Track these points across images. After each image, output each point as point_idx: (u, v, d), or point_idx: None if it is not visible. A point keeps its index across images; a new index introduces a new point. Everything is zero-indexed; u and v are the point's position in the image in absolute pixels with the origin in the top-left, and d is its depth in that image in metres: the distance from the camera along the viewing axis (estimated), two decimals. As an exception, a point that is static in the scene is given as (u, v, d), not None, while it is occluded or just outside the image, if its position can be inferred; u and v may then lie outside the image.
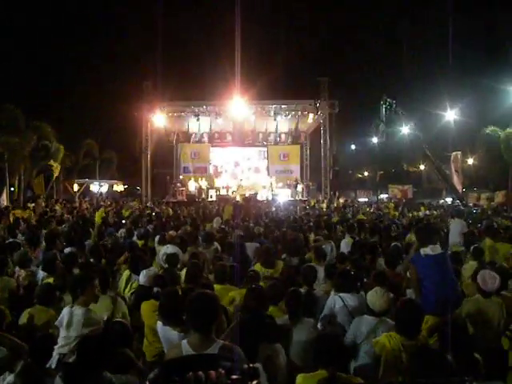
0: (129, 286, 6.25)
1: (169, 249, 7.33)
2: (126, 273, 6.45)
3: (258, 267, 6.68)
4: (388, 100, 25.23)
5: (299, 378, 3.54)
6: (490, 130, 27.83)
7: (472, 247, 7.40)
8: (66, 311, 4.50)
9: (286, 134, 32.34)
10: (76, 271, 6.07)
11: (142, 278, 5.91)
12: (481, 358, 3.71)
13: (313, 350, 3.75)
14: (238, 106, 26.85)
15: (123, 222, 12.87)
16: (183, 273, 6.27)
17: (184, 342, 3.18)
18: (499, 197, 30.08)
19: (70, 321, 4.39)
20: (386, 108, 25.48)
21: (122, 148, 37.78)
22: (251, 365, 1.35)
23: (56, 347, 4.25)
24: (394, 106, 25.08)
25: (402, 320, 3.95)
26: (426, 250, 5.14)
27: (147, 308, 5.01)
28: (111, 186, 36.60)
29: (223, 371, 1.27)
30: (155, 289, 5.45)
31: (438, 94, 32.87)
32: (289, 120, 30.77)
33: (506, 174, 28.27)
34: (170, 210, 20.04)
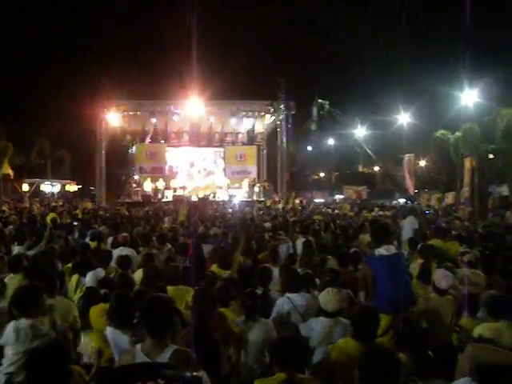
0: (78, 289, 6.06)
1: (123, 251, 7.18)
2: (75, 276, 6.25)
3: (214, 268, 6.62)
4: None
5: (256, 382, 3.49)
6: (440, 133, 28.69)
7: (419, 245, 7.56)
8: (10, 326, 4.08)
9: (242, 134, 32.32)
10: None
11: (89, 279, 5.76)
12: (434, 354, 3.81)
13: (271, 352, 3.72)
14: (195, 106, 26.67)
15: (75, 223, 12.50)
16: (137, 275, 6.15)
17: (137, 347, 3.09)
18: (449, 198, 31.13)
19: (16, 336, 4.01)
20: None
21: (76, 147, 36.80)
22: (194, 373, 1.30)
23: (2, 368, 3.97)
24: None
25: (359, 326, 3.96)
26: (381, 251, 5.18)
27: (96, 312, 4.83)
28: (63, 186, 35.61)
29: (162, 381, 1.22)
30: (102, 290, 5.30)
31: (392, 98, 33.65)
32: (246, 120, 30.79)
33: (455, 176, 29.21)
34: (125, 210, 19.69)
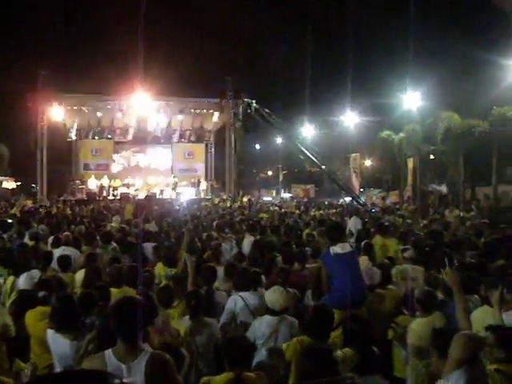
0: (14, 292, 5.75)
1: (65, 251, 6.94)
2: (11, 279, 5.92)
3: (160, 267, 6.52)
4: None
5: (203, 380, 3.46)
6: (385, 134, 29.50)
7: (363, 243, 7.74)
8: None
9: (190, 131, 31.99)
10: None
11: (22, 281, 5.45)
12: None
13: (219, 351, 3.70)
14: (141, 102, 26.14)
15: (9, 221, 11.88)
16: (78, 276, 5.95)
17: (109, 351, 2.94)
18: (393, 196, 32.08)
19: None
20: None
21: (15, 142, 35.24)
22: (124, 380, 1.23)
23: None
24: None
25: (313, 324, 3.98)
26: (336, 249, 5.25)
27: (34, 317, 4.56)
28: (0, 183, 34.09)
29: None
30: (41, 293, 5.06)
31: (340, 99, 34.34)
32: (194, 118, 30.54)
33: (399, 175, 30.11)
34: (68, 208, 19.08)
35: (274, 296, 4.56)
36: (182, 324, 4.45)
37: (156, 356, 2.94)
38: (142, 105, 26.35)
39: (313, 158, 26.01)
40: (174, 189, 28.09)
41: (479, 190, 27.41)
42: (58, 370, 3.81)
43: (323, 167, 27.07)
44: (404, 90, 27.58)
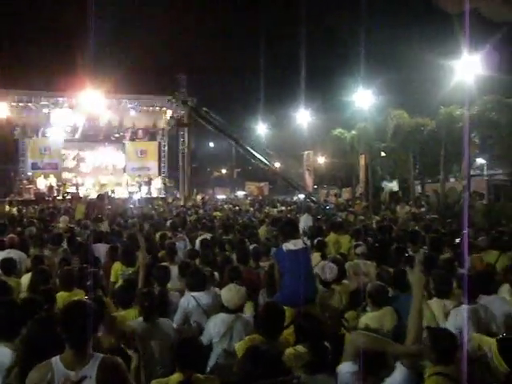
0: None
1: (10, 253, 6.66)
2: None
3: (117, 266, 6.41)
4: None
5: (152, 383, 3.39)
6: (338, 131, 29.94)
7: (316, 240, 7.82)
8: None
9: (143, 130, 31.45)
10: None
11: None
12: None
13: (171, 353, 3.62)
14: (92, 99, 25.44)
15: None
16: (24, 279, 5.74)
17: (56, 359, 2.81)
18: (346, 193, 32.65)
19: None
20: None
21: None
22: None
23: None
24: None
25: (264, 322, 3.96)
26: (288, 245, 5.26)
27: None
28: None
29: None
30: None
31: (292, 97, 34.65)
32: (146, 116, 30.04)
33: (351, 172, 30.64)
34: (14, 209, 18.40)
35: (229, 294, 4.54)
36: (134, 325, 4.35)
37: (108, 361, 2.85)
38: (92, 102, 25.65)
39: (261, 158, 25.95)
40: (126, 188, 27.59)
41: (428, 186, 28.24)
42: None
43: (273, 166, 27.09)
44: (356, 88, 28.11)
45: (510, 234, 8.89)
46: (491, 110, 20.62)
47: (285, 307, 4.24)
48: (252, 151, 25.48)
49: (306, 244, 5.58)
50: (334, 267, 5.45)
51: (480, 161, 29.56)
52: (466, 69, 18.38)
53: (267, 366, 2.97)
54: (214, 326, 4.41)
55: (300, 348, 3.76)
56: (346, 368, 3.01)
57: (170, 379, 3.33)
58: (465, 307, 4.41)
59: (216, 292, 5.15)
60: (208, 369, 4.19)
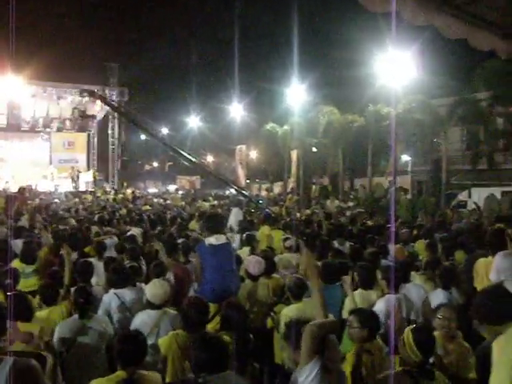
0: None
1: None
2: None
3: (17, 264, 6.01)
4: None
5: (94, 383, 3.21)
6: (270, 126, 30.21)
7: (245, 234, 7.83)
8: None
9: (71, 120, 30.17)
10: None
11: None
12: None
13: (111, 350, 3.45)
14: (12, 85, 23.94)
15: None
16: None
17: None
18: (277, 188, 33.05)
19: None
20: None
21: None
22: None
23: None
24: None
25: (188, 316, 3.88)
26: (211, 240, 5.20)
27: None
28: None
29: None
30: None
31: (225, 91, 34.61)
32: (75, 106, 28.84)
33: (283, 167, 31.04)
34: None
35: (153, 289, 4.42)
36: (69, 323, 4.15)
37: (19, 364, 2.66)
38: (12, 89, 24.12)
39: (183, 153, 25.42)
40: (52, 181, 26.42)
41: (357, 181, 29.13)
42: None
43: (199, 161, 26.72)
44: (289, 84, 28.47)
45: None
46: (415, 110, 21.57)
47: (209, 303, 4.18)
48: (174, 147, 24.77)
49: (228, 239, 5.53)
50: (262, 261, 5.45)
51: (405, 158, 30.84)
52: (393, 69, 19.05)
53: (217, 353, 2.91)
54: (140, 323, 4.28)
55: (226, 337, 3.74)
56: (312, 369, 2.78)
57: (112, 377, 3.18)
58: (389, 297, 4.56)
59: (141, 288, 5.01)
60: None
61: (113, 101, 25.61)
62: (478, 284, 5.26)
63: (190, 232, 9.02)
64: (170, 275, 5.61)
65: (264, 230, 8.73)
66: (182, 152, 21.86)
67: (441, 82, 25.68)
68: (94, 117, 26.63)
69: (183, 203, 18.44)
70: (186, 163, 23.55)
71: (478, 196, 18.13)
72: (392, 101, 20.12)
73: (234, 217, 10.25)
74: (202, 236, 7.91)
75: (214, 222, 5.42)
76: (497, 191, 19.20)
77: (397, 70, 18.93)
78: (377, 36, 18.90)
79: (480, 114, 22.39)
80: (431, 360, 3.32)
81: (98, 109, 28.65)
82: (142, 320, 4.30)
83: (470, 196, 20.24)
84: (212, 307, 4.42)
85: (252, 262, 5.40)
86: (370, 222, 10.66)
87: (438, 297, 5.00)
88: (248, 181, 34.41)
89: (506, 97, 20.97)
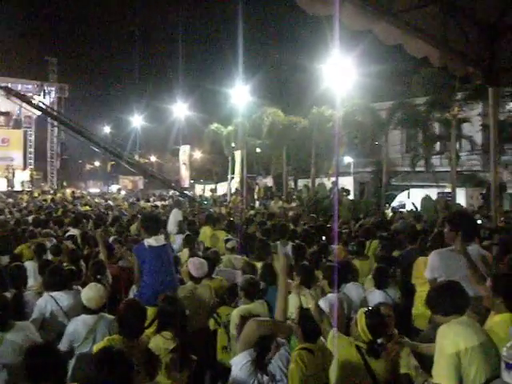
0: None
1: None
2: None
3: None
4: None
5: None
6: (214, 126, 30.07)
7: (185, 235, 7.77)
8: None
9: (6, 116, 28.89)
10: None
11: None
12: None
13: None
14: None
15: None
16: None
17: None
18: (222, 188, 32.92)
19: None
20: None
21: None
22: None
23: None
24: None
25: (125, 321, 3.76)
26: (150, 241, 5.10)
27: None
28: None
29: None
30: None
31: (170, 90, 34.23)
32: (11, 101, 27.60)
33: (226, 168, 31.00)
34: None
35: (89, 293, 4.28)
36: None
37: None
38: None
39: (120, 155, 24.70)
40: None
41: (300, 181, 29.50)
42: None
43: (136, 162, 26.17)
44: (233, 85, 28.47)
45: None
46: (357, 113, 22.12)
47: (146, 306, 4.08)
48: (110, 149, 23.93)
49: (167, 241, 5.46)
50: (204, 263, 5.40)
51: (347, 159, 31.54)
52: (337, 72, 19.43)
53: (117, 368, 2.79)
54: (75, 329, 4.12)
55: (166, 334, 3.71)
56: (243, 358, 2.99)
57: None
58: (331, 296, 4.66)
59: (79, 291, 4.84)
60: (70, 374, 3.90)
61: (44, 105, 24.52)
62: (417, 281, 5.46)
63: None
64: (108, 275, 5.48)
65: (206, 231, 8.66)
66: (119, 154, 21.33)
67: (382, 86, 26.50)
68: (7, 114, 25.51)
69: (125, 204, 18.05)
70: (124, 164, 23.02)
71: (416, 197, 18.80)
72: (336, 103, 20.53)
73: (174, 218, 10.13)
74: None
75: (152, 223, 5.32)
76: (433, 192, 20.02)
77: (340, 74, 19.33)
78: (322, 40, 19.25)
79: (418, 119, 23.22)
80: (379, 341, 3.50)
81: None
82: (76, 326, 4.15)
83: (408, 197, 20.97)
84: (151, 311, 4.33)
85: (195, 264, 5.34)
86: (311, 223, 10.79)
87: (374, 296, 5.16)
88: (192, 181, 34.16)
89: (442, 103, 21.85)
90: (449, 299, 3.16)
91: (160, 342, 3.64)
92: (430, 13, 5.16)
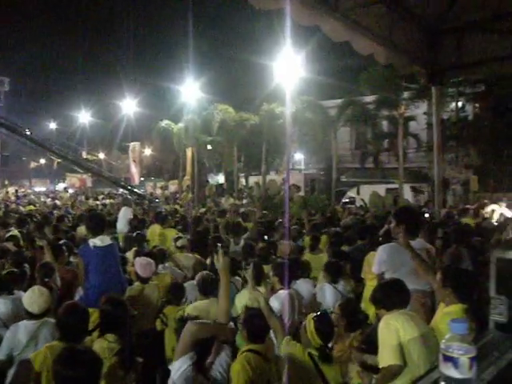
0: None
1: None
2: None
3: None
4: None
5: None
6: (165, 123, 29.64)
7: (135, 233, 7.64)
8: None
9: None
10: None
11: None
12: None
13: None
14: None
15: None
16: None
17: None
18: (173, 186, 32.55)
19: None
20: None
21: None
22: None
23: None
24: None
25: (65, 326, 3.59)
26: (96, 241, 4.96)
27: None
28: None
29: None
30: None
31: (120, 86, 33.50)
32: None
33: (177, 165, 30.66)
34: None
35: (31, 297, 4.07)
36: None
37: None
38: None
39: (60, 153, 23.85)
40: None
41: (252, 179, 29.54)
42: None
43: (80, 161, 25.35)
44: (184, 82, 28.18)
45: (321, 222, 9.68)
46: (307, 110, 22.33)
47: (91, 309, 3.93)
48: (49, 148, 22.95)
49: (112, 240, 5.32)
50: (152, 263, 5.30)
51: (298, 156, 31.83)
52: (287, 70, 19.53)
53: (86, 367, 2.69)
54: (14, 336, 3.91)
55: (110, 337, 3.57)
56: (182, 363, 2.86)
57: None
58: (281, 292, 4.66)
59: (20, 296, 4.62)
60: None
61: None
62: (366, 275, 5.56)
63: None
64: (57, 278, 5.28)
65: (155, 229, 8.52)
66: (60, 152, 20.58)
67: (332, 84, 26.89)
68: None
69: (70, 202, 17.51)
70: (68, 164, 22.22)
71: (365, 193, 19.19)
72: (287, 100, 20.62)
73: (124, 216, 9.93)
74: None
75: (97, 223, 5.18)
76: (382, 188, 20.50)
77: (290, 71, 19.44)
78: (273, 37, 19.29)
79: (367, 116, 23.69)
80: (330, 345, 3.53)
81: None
82: (15, 333, 3.93)
83: (358, 193, 21.38)
84: (98, 313, 4.19)
85: (142, 264, 5.22)
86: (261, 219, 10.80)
87: (325, 291, 5.21)
88: (142, 179, 33.58)
89: (389, 101, 22.39)
90: (390, 295, 3.34)
91: (104, 346, 3.50)
92: (377, 12, 5.25)
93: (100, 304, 4.34)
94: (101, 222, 5.27)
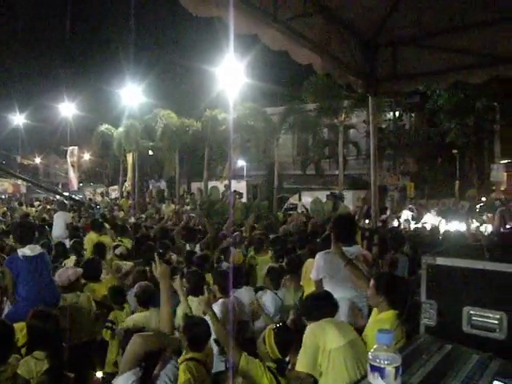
0: None
1: None
2: None
3: None
4: None
5: None
6: (105, 127, 28.94)
7: (72, 241, 7.44)
8: None
9: None
10: None
11: None
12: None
13: None
14: None
15: None
16: None
17: None
18: (113, 192, 31.77)
19: None
20: None
21: None
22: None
23: None
24: None
25: None
26: (25, 251, 4.75)
27: None
28: None
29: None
30: None
31: (57, 88, 32.40)
32: None
33: (118, 170, 30.01)
34: None
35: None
36: None
37: None
38: None
39: None
40: None
41: (194, 185, 29.33)
42: None
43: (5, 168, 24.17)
44: (124, 86, 27.67)
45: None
46: (250, 116, 22.46)
47: (22, 323, 3.73)
48: None
49: (43, 249, 5.12)
50: (77, 271, 5.13)
51: (241, 162, 31.91)
52: (230, 76, 19.60)
53: None
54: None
55: (38, 354, 3.39)
56: (126, 380, 2.68)
57: None
58: (223, 301, 4.63)
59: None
60: None
61: None
62: (305, 282, 5.61)
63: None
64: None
65: (91, 237, 8.28)
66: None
67: (275, 91, 27.20)
68: None
69: (4, 209, 16.75)
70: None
71: (306, 199, 19.48)
72: (229, 107, 20.66)
73: (62, 221, 9.61)
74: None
75: (26, 231, 4.96)
76: (323, 195, 20.86)
77: (233, 77, 19.51)
78: (216, 43, 19.30)
79: (308, 124, 24.11)
80: (287, 359, 3.53)
81: None
82: None
83: (300, 199, 21.67)
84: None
85: (58, 273, 5.06)
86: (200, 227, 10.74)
87: (266, 298, 5.22)
88: (81, 184, 32.62)
89: (330, 109, 22.92)
90: (318, 307, 3.48)
91: (31, 364, 3.32)
92: (316, 23, 5.36)
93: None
94: (29, 230, 5.05)
